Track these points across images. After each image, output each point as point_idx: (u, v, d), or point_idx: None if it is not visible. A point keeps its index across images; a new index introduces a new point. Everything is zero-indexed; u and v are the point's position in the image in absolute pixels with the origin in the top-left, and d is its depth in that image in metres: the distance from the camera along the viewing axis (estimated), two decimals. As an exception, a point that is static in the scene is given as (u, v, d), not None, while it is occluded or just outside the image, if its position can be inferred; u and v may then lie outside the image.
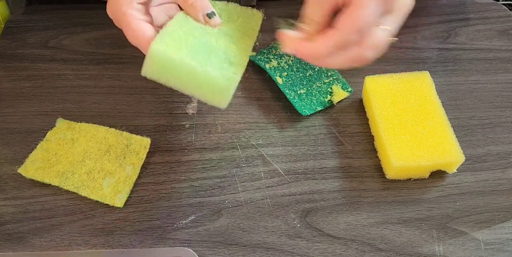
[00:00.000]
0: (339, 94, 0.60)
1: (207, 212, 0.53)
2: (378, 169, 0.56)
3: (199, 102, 0.61)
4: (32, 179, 0.54)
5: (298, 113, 0.59)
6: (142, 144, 0.56)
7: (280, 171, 0.56)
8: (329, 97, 0.60)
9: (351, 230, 0.52)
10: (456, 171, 0.55)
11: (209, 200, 0.54)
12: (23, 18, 0.68)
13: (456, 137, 0.54)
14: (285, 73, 0.61)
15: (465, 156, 0.53)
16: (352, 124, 0.59)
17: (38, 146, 0.56)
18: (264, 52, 0.63)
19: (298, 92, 0.60)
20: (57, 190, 0.54)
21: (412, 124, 0.55)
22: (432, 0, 0.71)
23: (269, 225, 0.52)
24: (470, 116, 0.60)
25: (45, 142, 0.56)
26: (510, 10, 0.71)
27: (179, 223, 0.52)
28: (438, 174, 0.55)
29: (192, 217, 0.53)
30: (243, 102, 0.61)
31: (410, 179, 0.55)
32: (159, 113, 0.60)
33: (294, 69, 0.62)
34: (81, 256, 0.50)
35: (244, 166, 0.56)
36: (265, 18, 0.55)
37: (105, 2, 0.65)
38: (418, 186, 0.55)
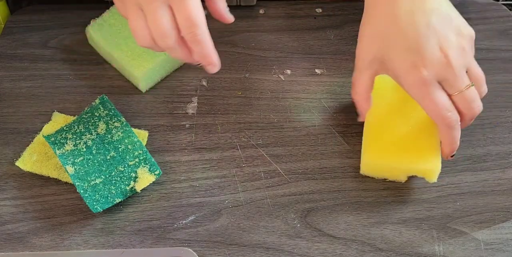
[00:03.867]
0: (144, 179, 0.52)
1: (207, 212, 0.53)
2: (378, 169, 0.56)
3: (199, 102, 0.61)
4: (32, 179, 0.54)
5: (298, 113, 0.59)
6: (140, 136, 0.56)
7: (280, 171, 0.56)
8: (132, 183, 0.52)
9: (351, 230, 0.52)
10: (436, 181, 0.53)
11: (209, 200, 0.54)
12: (23, 18, 0.68)
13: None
14: (81, 158, 0.53)
15: (465, 156, 0.53)
16: (352, 124, 0.59)
17: (34, 140, 0.56)
18: (65, 130, 0.55)
19: (92, 182, 0.52)
20: (57, 190, 0.54)
21: (401, 126, 0.54)
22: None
23: (269, 225, 0.52)
24: (470, 116, 0.60)
25: (41, 136, 0.56)
26: (510, 10, 0.71)
27: (179, 223, 0.52)
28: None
29: (192, 217, 0.53)
30: (243, 102, 0.61)
31: (386, 179, 0.55)
32: (159, 113, 0.60)
33: (93, 152, 0.54)
34: (81, 256, 0.50)
35: (244, 166, 0.56)
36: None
37: (106, 2, 0.65)
38: (418, 186, 0.55)
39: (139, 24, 0.47)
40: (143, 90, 0.61)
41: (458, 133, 0.49)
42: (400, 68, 0.48)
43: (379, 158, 0.52)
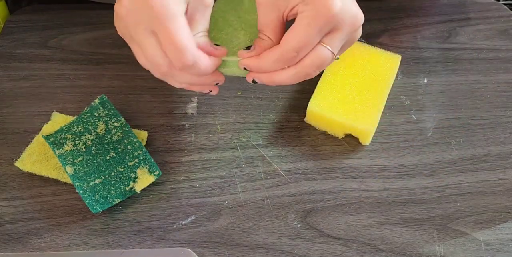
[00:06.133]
0: (144, 179, 0.52)
1: (206, 213, 0.53)
2: (379, 169, 0.56)
3: (199, 102, 0.60)
4: (31, 179, 0.54)
5: (298, 113, 0.59)
6: (139, 137, 0.56)
7: (280, 171, 0.56)
8: (132, 184, 0.52)
9: (351, 230, 0.52)
10: (370, 142, 0.57)
11: (208, 201, 0.54)
12: (23, 18, 0.68)
13: (457, 137, 0.54)
14: (80, 158, 0.53)
15: (466, 156, 0.53)
16: (352, 124, 0.59)
17: (34, 140, 0.56)
18: (64, 130, 0.55)
19: (92, 183, 0.52)
20: (56, 190, 0.54)
21: (352, 88, 0.57)
22: (432, 0, 0.70)
23: (269, 226, 0.52)
24: (471, 116, 0.60)
25: (41, 136, 0.56)
26: (511, 10, 0.71)
27: (178, 224, 0.52)
28: (438, 174, 0.55)
29: (192, 218, 0.53)
30: (243, 102, 0.61)
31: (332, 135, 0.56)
32: (159, 113, 0.60)
33: (93, 152, 0.54)
34: (80, 257, 0.50)
35: (244, 167, 0.56)
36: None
37: (105, 3, 0.65)
38: (418, 186, 0.55)
39: (135, 52, 0.47)
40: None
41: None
42: None
43: (322, 109, 0.56)
